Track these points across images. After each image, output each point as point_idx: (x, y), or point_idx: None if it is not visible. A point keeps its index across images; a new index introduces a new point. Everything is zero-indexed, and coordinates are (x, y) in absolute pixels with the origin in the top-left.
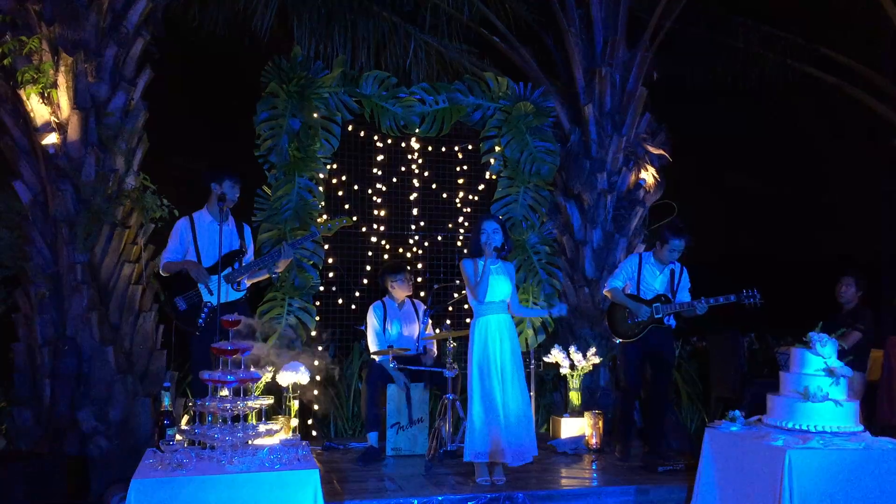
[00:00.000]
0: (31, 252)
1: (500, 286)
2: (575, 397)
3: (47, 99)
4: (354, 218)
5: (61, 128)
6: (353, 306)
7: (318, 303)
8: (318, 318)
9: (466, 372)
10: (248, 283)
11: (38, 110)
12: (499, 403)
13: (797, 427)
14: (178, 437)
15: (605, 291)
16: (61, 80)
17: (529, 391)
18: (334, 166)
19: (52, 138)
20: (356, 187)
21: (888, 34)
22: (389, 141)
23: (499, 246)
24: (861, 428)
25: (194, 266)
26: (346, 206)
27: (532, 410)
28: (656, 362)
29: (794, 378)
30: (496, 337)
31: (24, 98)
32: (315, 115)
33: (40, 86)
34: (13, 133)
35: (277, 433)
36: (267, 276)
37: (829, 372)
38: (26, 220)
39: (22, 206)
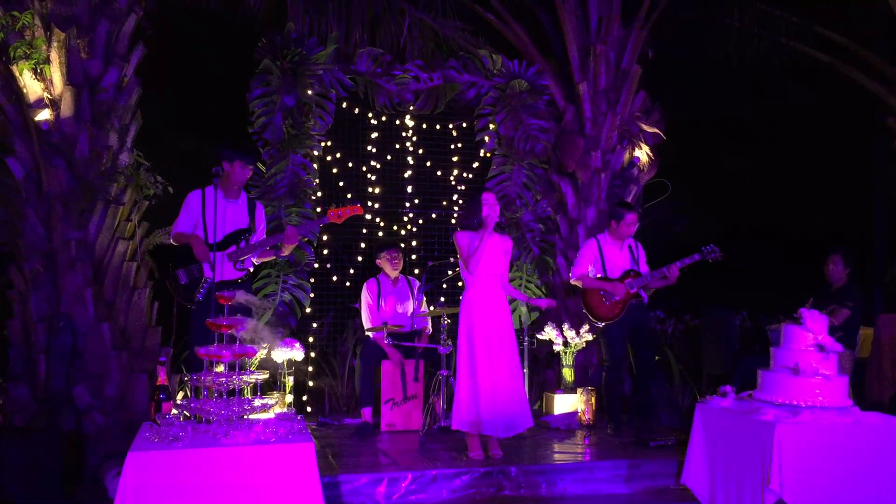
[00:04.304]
0: (24, 228)
1: (494, 261)
2: (568, 374)
3: (40, 75)
4: (349, 196)
5: (54, 104)
6: (348, 283)
7: (312, 280)
8: (312, 296)
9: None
10: (256, 261)
11: (31, 86)
12: (487, 376)
13: (787, 402)
14: (173, 411)
15: (573, 281)
16: (54, 55)
17: (523, 367)
18: (328, 143)
19: (45, 114)
20: (350, 165)
21: (883, 13)
22: (384, 118)
23: (495, 219)
24: (850, 403)
25: (199, 242)
26: (341, 184)
27: (524, 383)
28: (638, 338)
29: (784, 354)
30: (486, 311)
31: (17, 74)
32: (309, 91)
33: (33, 62)
34: (6, 109)
35: (273, 407)
36: (273, 257)
37: (820, 347)
38: (20, 197)
39: (15, 182)
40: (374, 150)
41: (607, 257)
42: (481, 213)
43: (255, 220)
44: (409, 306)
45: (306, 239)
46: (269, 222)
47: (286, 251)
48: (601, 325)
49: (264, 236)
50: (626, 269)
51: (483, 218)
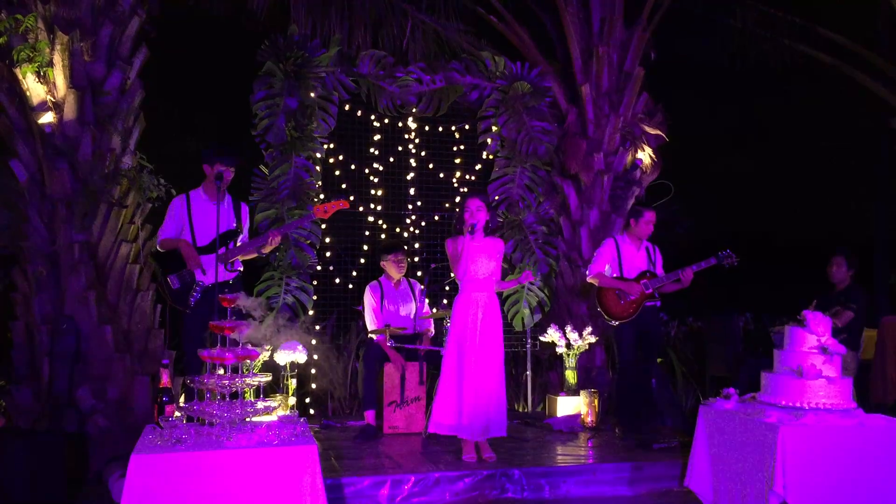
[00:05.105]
0: (28, 231)
1: (480, 264)
2: (571, 376)
3: (43, 78)
4: (351, 198)
5: (58, 107)
6: (351, 286)
7: (315, 282)
8: (315, 298)
9: None
10: (241, 258)
11: (35, 89)
12: (472, 380)
13: (791, 404)
14: (176, 413)
15: (589, 279)
16: (57, 58)
17: (526, 370)
18: (331, 146)
19: (48, 117)
20: (353, 167)
21: (886, 14)
22: (386, 121)
23: (481, 224)
24: (854, 405)
25: (186, 247)
26: (343, 186)
27: (504, 389)
28: (646, 340)
29: (788, 355)
30: (473, 313)
31: (21, 77)
32: (312, 94)
33: (36, 65)
34: (9, 112)
35: (276, 410)
36: (255, 255)
37: (823, 349)
38: (23, 200)
39: (19, 185)
40: (376, 153)
41: (624, 257)
42: (464, 219)
43: (241, 221)
44: (412, 308)
45: (309, 241)
46: (271, 223)
47: (267, 249)
48: (615, 323)
49: (248, 236)
50: (642, 270)
51: (465, 224)
